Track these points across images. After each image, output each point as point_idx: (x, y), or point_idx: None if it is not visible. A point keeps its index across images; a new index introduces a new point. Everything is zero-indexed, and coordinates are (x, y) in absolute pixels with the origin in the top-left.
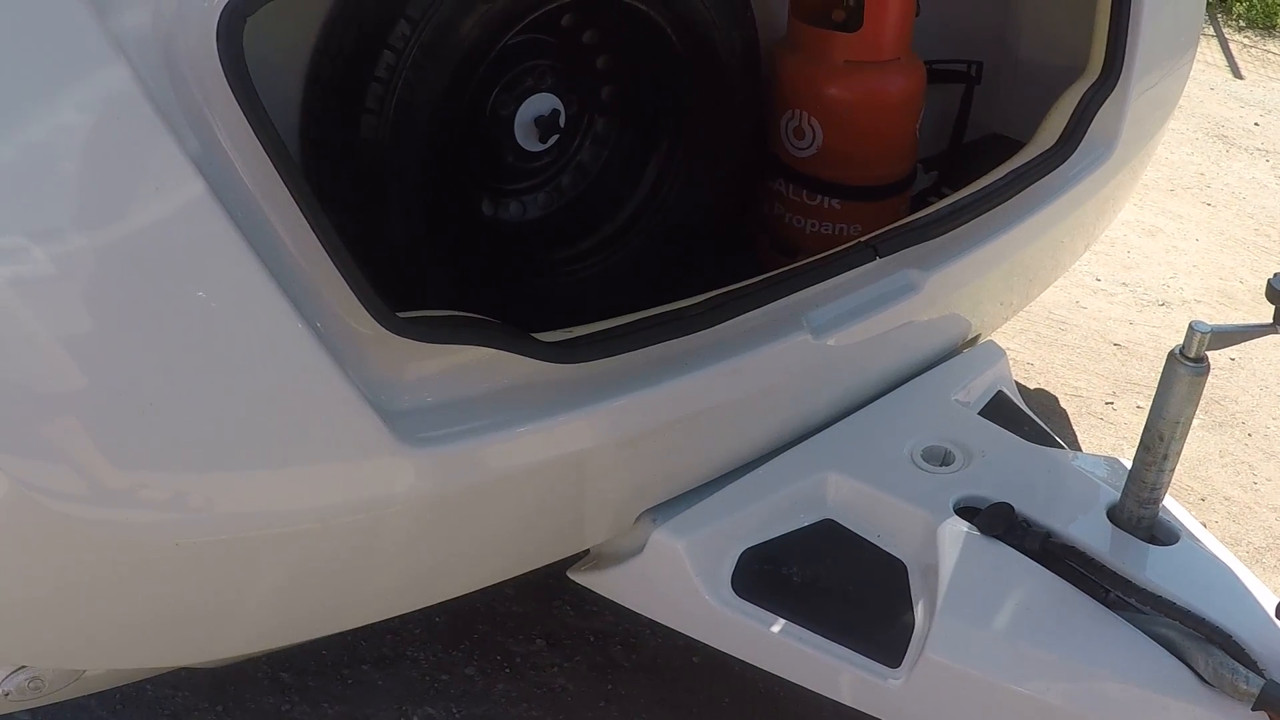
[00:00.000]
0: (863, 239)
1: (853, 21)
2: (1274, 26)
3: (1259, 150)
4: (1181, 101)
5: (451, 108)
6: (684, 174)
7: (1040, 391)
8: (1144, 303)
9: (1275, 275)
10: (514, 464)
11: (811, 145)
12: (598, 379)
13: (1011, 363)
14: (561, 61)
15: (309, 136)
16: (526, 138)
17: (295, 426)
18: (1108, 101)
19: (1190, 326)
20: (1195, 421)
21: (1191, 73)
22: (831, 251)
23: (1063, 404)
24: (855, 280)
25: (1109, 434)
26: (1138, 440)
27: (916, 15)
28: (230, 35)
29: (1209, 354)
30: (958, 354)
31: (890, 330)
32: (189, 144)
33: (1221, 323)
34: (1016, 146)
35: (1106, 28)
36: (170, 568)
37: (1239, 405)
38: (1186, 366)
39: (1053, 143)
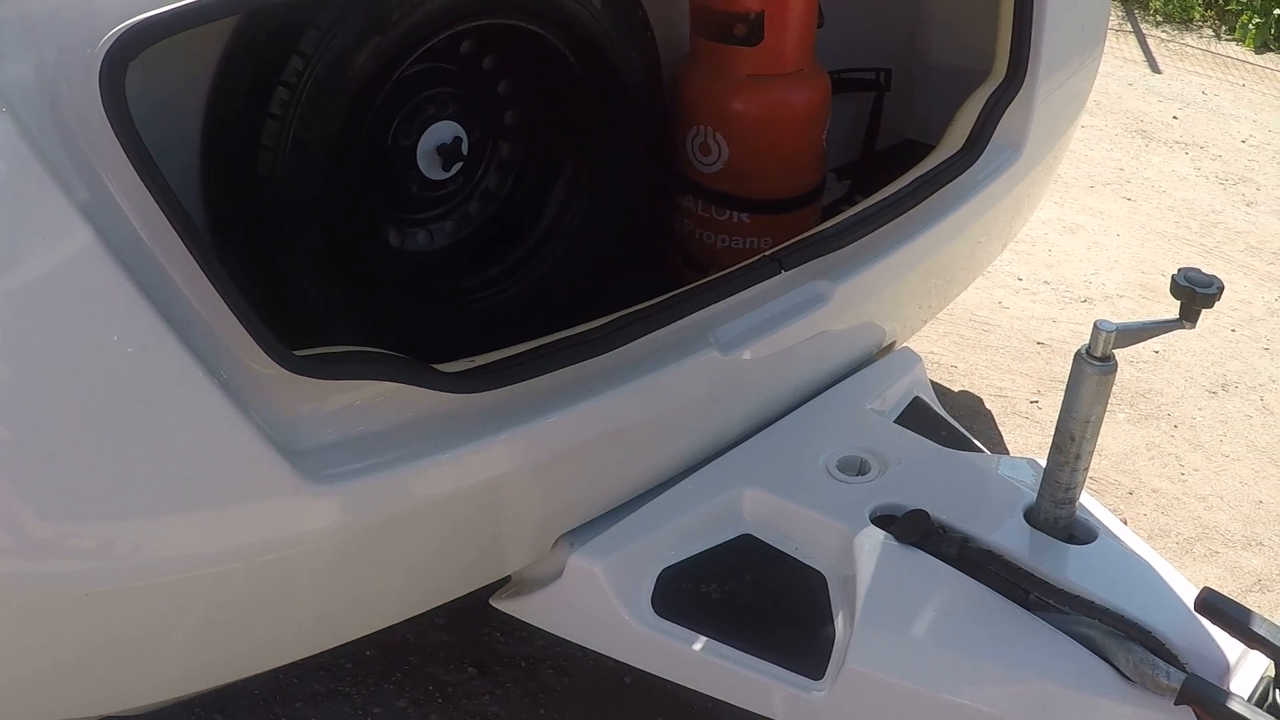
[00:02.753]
0: (767, 252)
1: (753, 36)
2: (1190, 20)
3: (1178, 143)
4: (1099, 98)
5: (350, 140)
6: (590, 196)
7: (964, 394)
8: (1066, 300)
9: (1179, 271)
10: (424, 496)
11: (718, 161)
12: (505, 406)
13: (934, 366)
14: (462, 88)
15: (210, 175)
16: (430, 166)
17: (198, 470)
18: (1014, 103)
19: (1095, 325)
20: (1121, 415)
21: (1109, 68)
22: (736, 267)
23: (987, 405)
24: (762, 294)
25: (1034, 433)
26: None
27: (820, 26)
28: (113, 82)
29: (1117, 352)
30: (873, 362)
31: (801, 342)
32: (77, 192)
33: (1127, 320)
34: (926, 148)
35: (1010, 29)
36: (84, 617)
37: (1164, 398)
38: (1094, 366)
39: (959, 147)
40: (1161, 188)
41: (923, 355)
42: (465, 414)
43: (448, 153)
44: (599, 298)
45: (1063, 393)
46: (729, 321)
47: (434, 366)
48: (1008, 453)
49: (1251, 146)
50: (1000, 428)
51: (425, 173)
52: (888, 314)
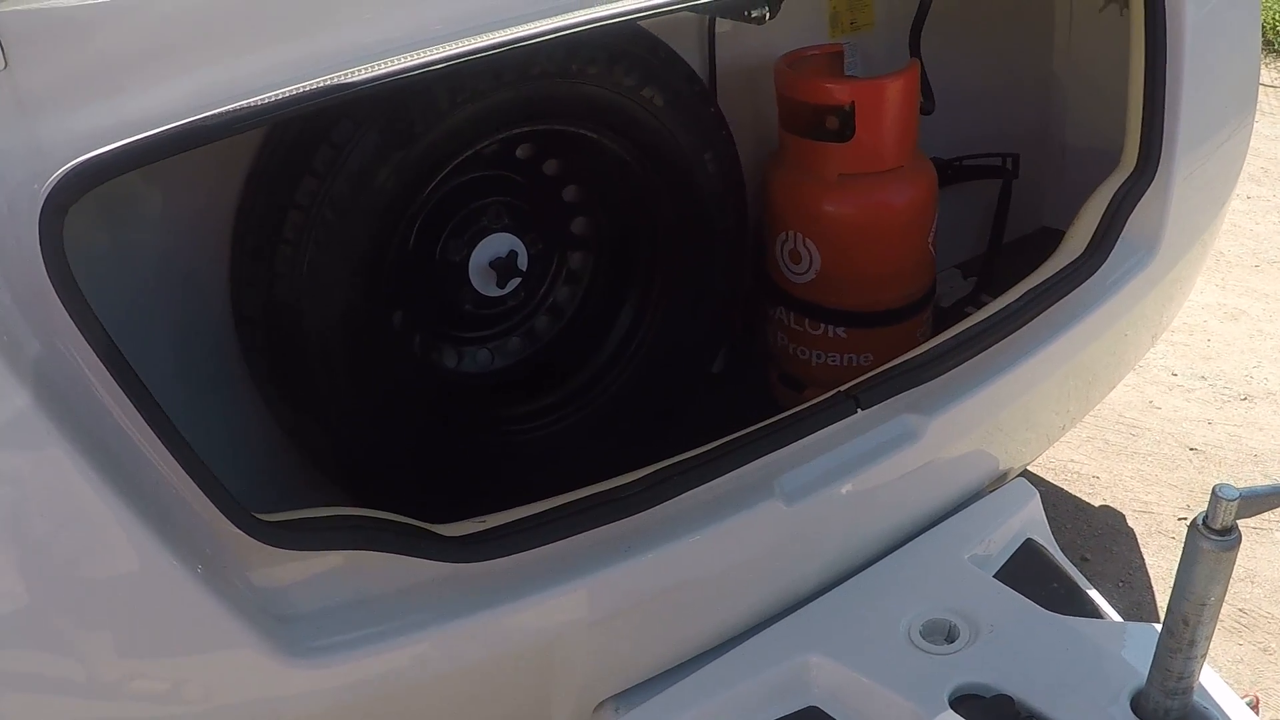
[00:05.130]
0: (843, 388)
1: (845, 131)
2: None
3: None
4: (1266, 164)
5: (381, 260)
6: (664, 311)
7: (1105, 509)
8: (1225, 398)
9: None
10: (427, 671)
11: (809, 270)
12: (524, 569)
13: (1074, 476)
14: (522, 196)
15: (236, 302)
16: (484, 282)
17: (166, 642)
18: (1146, 195)
19: (1214, 492)
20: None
21: (1266, 129)
22: (804, 406)
23: (1130, 522)
24: (836, 435)
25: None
26: None
27: (928, 113)
28: (51, 233)
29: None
30: (980, 497)
31: (886, 485)
32: (29, 348)
33: (1254, 485)
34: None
35: (1139, 110)
36: None
37: None
38: (1212, 540)
39: (1080, 250)
40: None
41: (1062, 463)
42: (476, 577)
43: (503, 268)
44: (674, 424)
45: None
46: (796, 467)
47: (432, 529)
48: (1148, 580)
49: None
50: (1143, 549)
51: (479, 289)
52: (997, 444)
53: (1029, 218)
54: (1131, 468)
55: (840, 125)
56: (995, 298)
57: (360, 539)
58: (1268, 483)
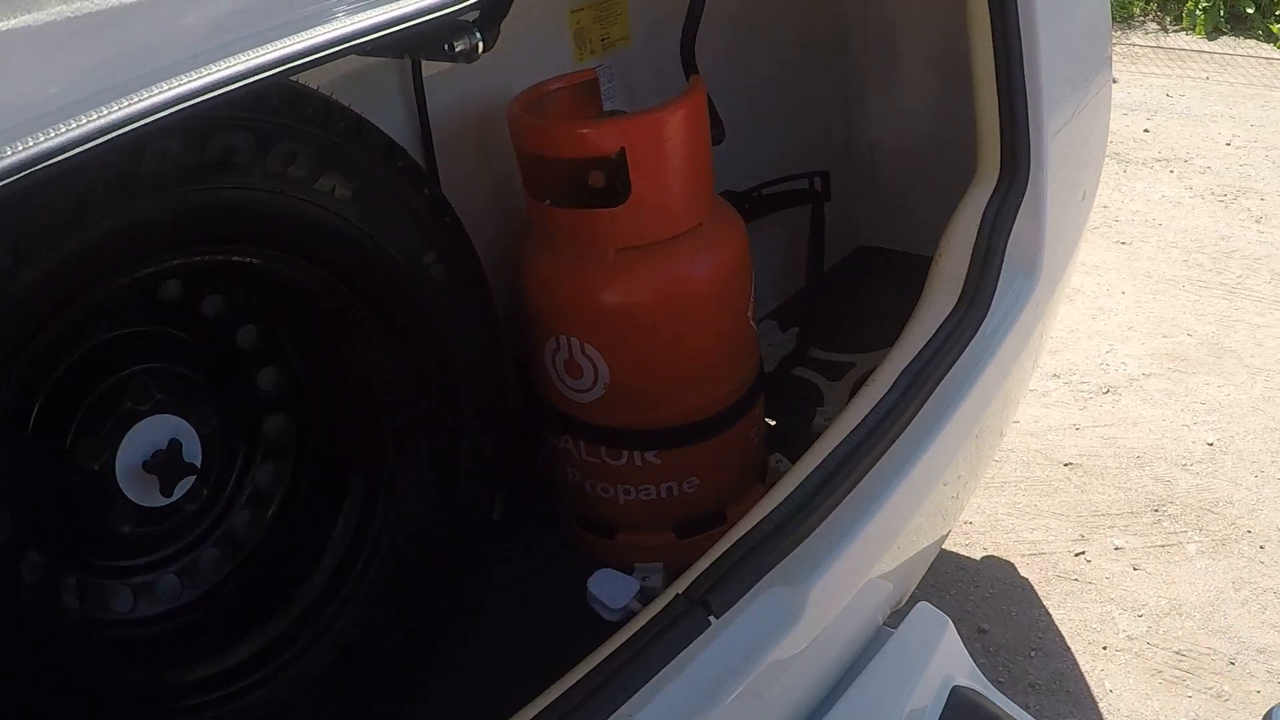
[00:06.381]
0: (681, 588)
1: (617, 188)
2: (1131, 16)
3: (1159, 161)
4: None
5: None
6: (405, 479)
7: (989, 561)
8: (1085, 394)
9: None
10: None
11: (595, 384)
12: None
13: None
14: (178, 358)
15: None
16: (142, 491)
17: None
18: (1020, 210)
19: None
20: (1191, 547)
21: None
22: (637, 632)
23: (1022, 571)
24: (692, 652)
25: (1091, 598)
26: (1129, 601)
27: (718, 142)
28: None
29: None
30: (878, 649)
31: (763, 685)
32: None
33: None
34: (891, 257)
35: (993, 110)
36: None
37: (1235, 508)
38: None
39: (958, 291)
40: (1155, 220)
41: None
42: None
43: (165, 466)
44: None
45: (1112, 529)
46: (644, 709)
47: None
48: (1062, 641)
49: (1238, 149)
50: (1045, 601)
51: (138, 501)
52: (897, 571)
53: (841, 238)
54: (1004, 502)
55: (608, 182)
56: (828, 350)
57: None
58: None
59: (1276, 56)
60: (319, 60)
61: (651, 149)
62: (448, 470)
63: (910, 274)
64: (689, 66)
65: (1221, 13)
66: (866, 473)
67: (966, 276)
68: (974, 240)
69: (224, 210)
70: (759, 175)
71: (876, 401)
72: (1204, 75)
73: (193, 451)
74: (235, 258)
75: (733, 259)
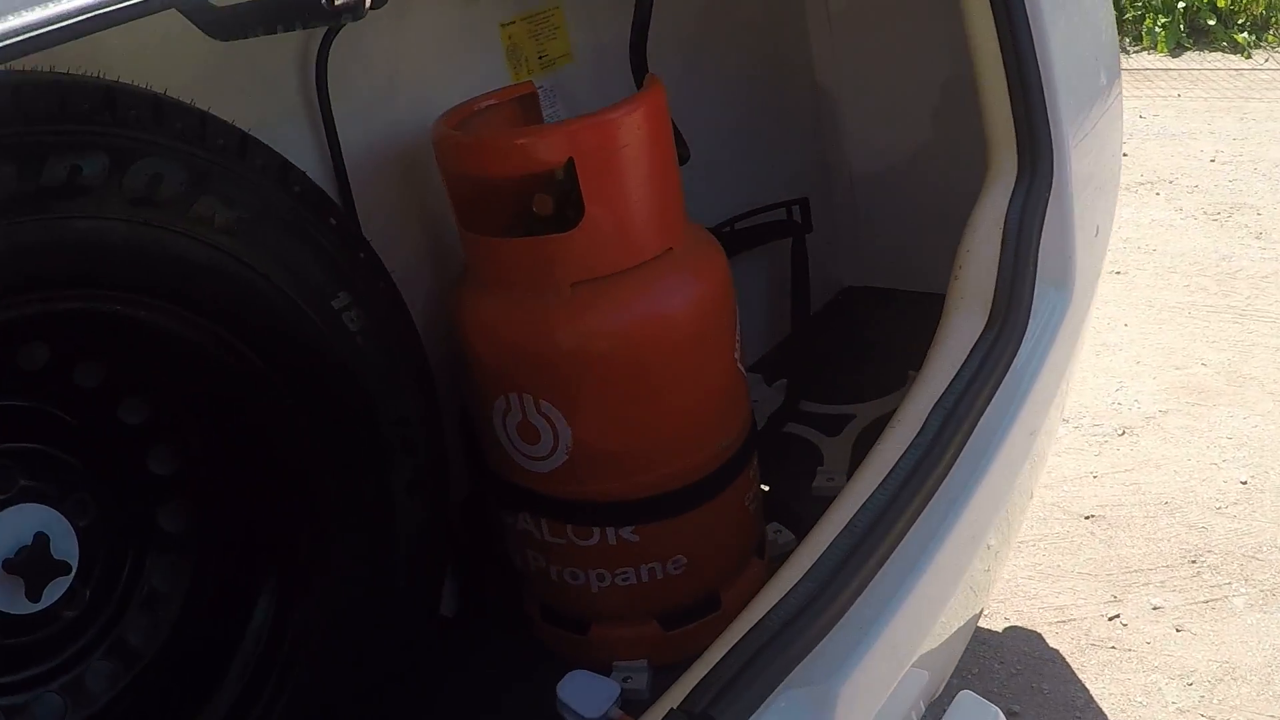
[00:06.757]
0: (676, 704)
1: (568, 208)
2: None
3: (1142, 184)
4: None
5: None
6: (328, 575)
7: (1014, 632)
8: (1100, 438)
9: None
10: None
11: (556, 449)
12: None
13: None
14: (43, 435)
15: None
16: (7, 596)
17: None
18: (1048, 210)
19: None
20: (1237, 600)
21: None
22: None
23: (1051, 642)
24: None
25: (1132, 667)
26: (1175, 668)
27: (683, 161)
28: None
29: None
30: None
31: None
32: None
33: None
34: (882, 296)
35: (1003, 94)
36: None
37: None
38: None
39: (981, 324)
40: (1149, 246)
41: None
42: None
43: (31, 566)
44: None
45: (1146, 587)
46: None
47: None
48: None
49: (1224, 164)
50: (1081, 675)
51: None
52: (931, 661)
53: (825, 280)
54: (1024, 564)
55: (558, 202)
56: (823, 402)
57: None
58: None
59: (1246, 67)
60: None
61: (606, 158)
62: (381, 558)
63: (906, 311)
64: (640, 71)
65: (1182, 28)
66: (901, 538)
67: (996, 289)
68: (999, 245)
69: (73, 245)
70: (729, 211)
71: (906, 447)
72: (1175, 93)
73: (66, 548)
74: (95, 304)
75: (713, 289)
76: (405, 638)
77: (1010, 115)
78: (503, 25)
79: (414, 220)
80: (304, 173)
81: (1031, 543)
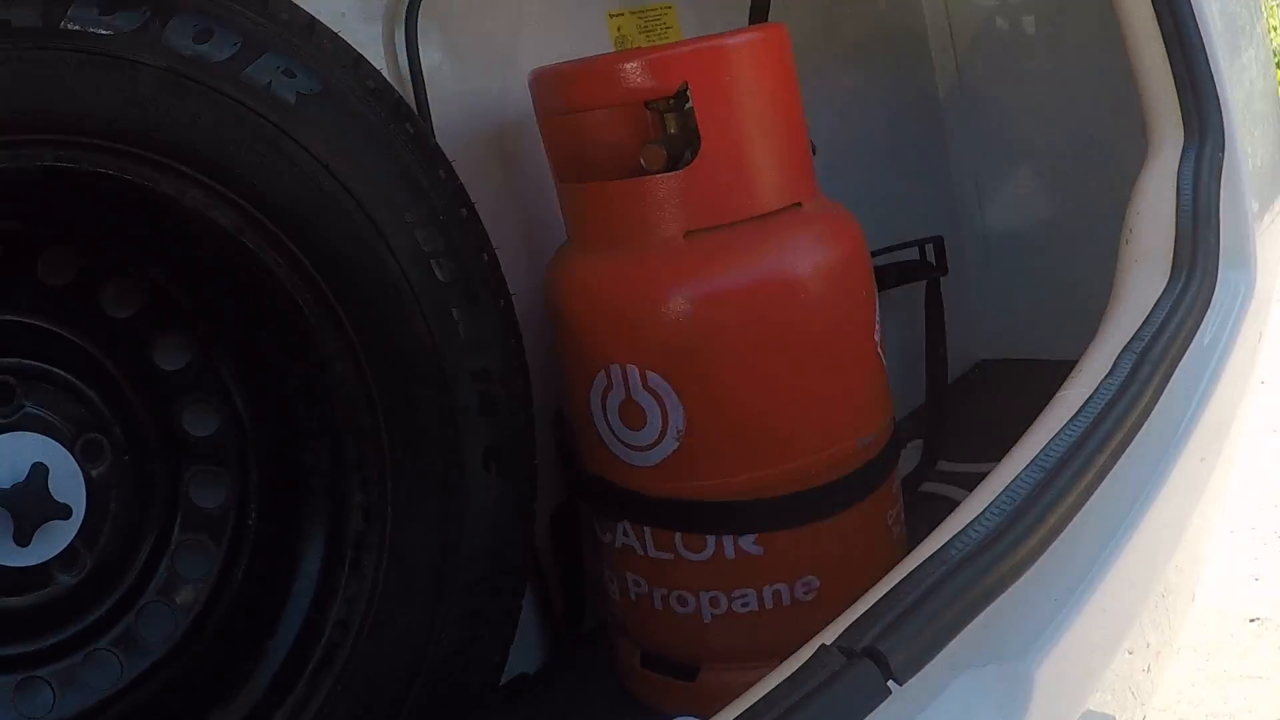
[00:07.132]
0: (829, 639)
1: (682, 142)
2: None
3: None
4: None
5: None
6: (385, 568)
7: None
8: (1267, 536)
9: None
10: None
11: (664, 433)
12: None
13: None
14: (62, 359)
15: None
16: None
17: None
18: (1224, 172)
19: None
20: None
21: None
22: (773, 690)
23: None
24: None
25: None
26: None
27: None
28: None
29: None
30: None
31: None
32: None
33: None
34: (1019, 367)
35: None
36: None
37: None
38: None
39: (1164, 280)
40: None
41: None
42: None
43: (22, 503)
44: None
45: None
46: None
47: None
48: None
49: None
50: None
51: None
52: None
53: (957, 352)
54: (1183, 675)
55: (671, 138)
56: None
57: None
58: None
59: None
60: None
61: (726, 84)
62: (446, 544)
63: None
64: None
65: None
66: (1107, 472)
67: (1176, 251)
68: (1174, 203)
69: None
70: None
71: (1094, 390)
72: None
73: (69, 490)
74: (118, 172)
75: (849, 256)
76: (469, 677)
77: (1170, 79)
78: (610, 15)
79: (506, 203)
80: (380, 72)
81: (1188, 648)
